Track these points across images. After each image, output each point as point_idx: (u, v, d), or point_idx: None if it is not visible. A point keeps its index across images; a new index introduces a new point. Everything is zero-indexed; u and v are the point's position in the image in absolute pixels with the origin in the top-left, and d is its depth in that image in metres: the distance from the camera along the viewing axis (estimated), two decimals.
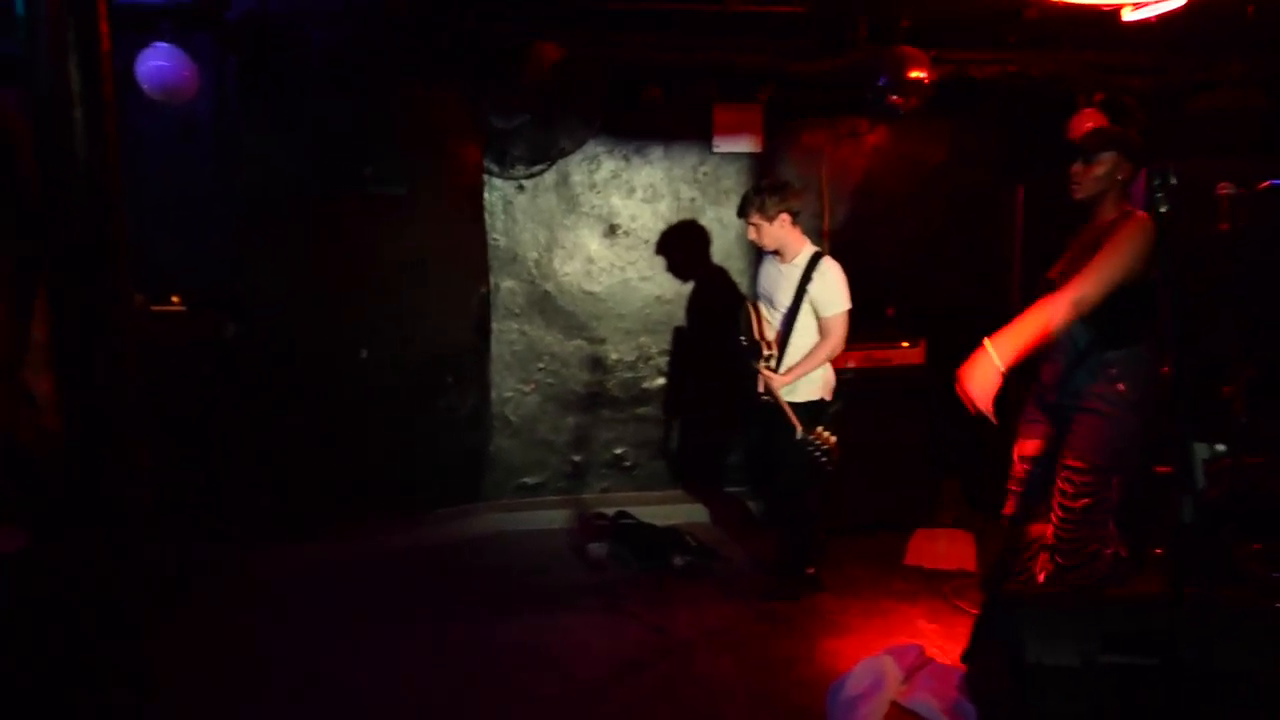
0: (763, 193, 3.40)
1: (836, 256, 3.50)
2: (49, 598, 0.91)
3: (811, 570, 3.71)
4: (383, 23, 3.51)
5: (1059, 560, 2.72)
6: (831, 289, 3.40)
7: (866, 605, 3.60)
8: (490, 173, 4.50)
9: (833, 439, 3.22)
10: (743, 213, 3.47)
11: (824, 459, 3.21)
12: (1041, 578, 2.80)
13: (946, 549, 4.13)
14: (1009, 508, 2.95)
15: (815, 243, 3.59)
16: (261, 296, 3.99)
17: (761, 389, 3.50)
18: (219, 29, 3.52)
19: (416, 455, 4.37)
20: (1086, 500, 2.65)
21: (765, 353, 3.44)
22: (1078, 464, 2.66)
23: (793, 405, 3.35)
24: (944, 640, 3.25)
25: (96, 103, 0.89)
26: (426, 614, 3.54)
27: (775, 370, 3.44)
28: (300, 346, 4.07)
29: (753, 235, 3.46)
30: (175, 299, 3.80)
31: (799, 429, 3.24)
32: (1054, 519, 2.73)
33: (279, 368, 4.02)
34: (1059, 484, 2.71)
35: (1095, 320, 2.59)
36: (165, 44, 3.31)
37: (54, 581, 0.91)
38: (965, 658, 2.83)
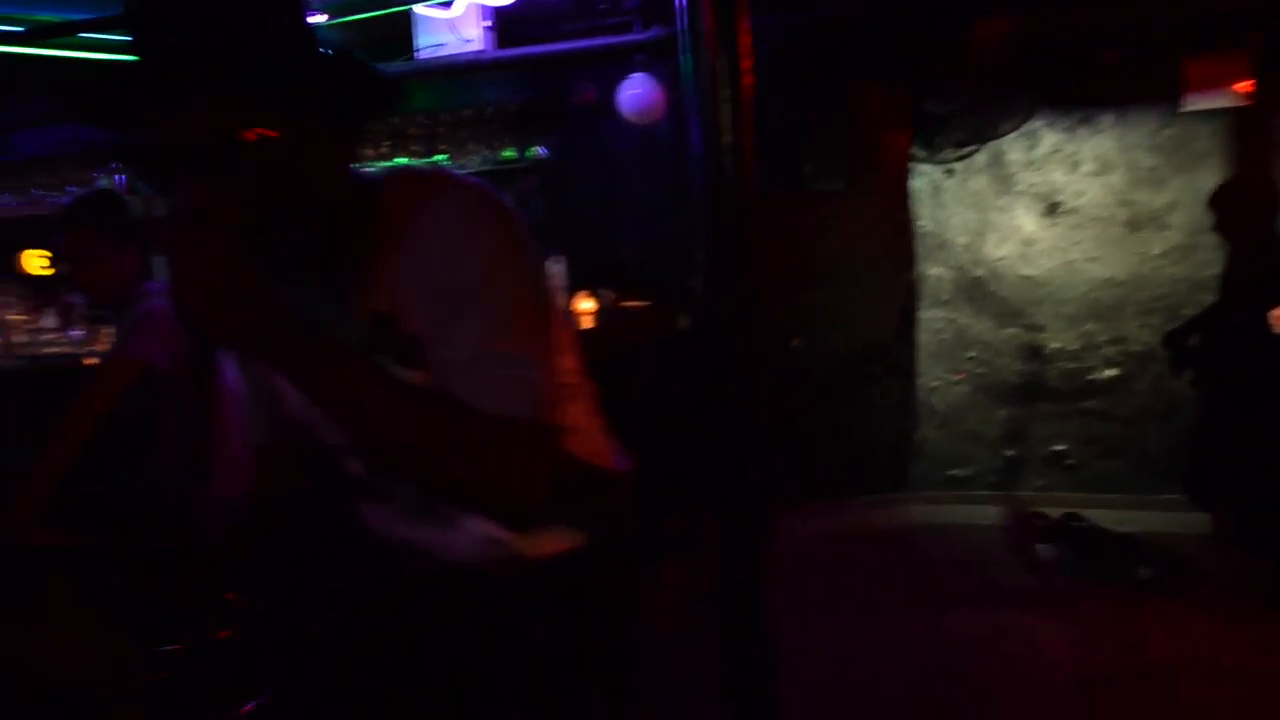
0: None
1: None
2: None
3: None
4: (830, 28, 3.63)
5: None
6: None
7: None
8: (917, 159, 4.43)
9: None
10: None
11: None
12: None
13: None
14: None
15: None
16: (709, 292, 4.36)
17: None
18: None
19: (844, 442, 4.48)
20: None
21: None
22: None
23: None
24: None
25: (740, 141, 1.07)
26: (867, 599, 3.63)
27: None
28: (740, 337, 4.38)
29: None
30: (638, 297, 4.32)
31: None
32: None
33: (721, 356, 4.38)
34: None
35: None
36: (641, 74, 3.77)
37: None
38: None
